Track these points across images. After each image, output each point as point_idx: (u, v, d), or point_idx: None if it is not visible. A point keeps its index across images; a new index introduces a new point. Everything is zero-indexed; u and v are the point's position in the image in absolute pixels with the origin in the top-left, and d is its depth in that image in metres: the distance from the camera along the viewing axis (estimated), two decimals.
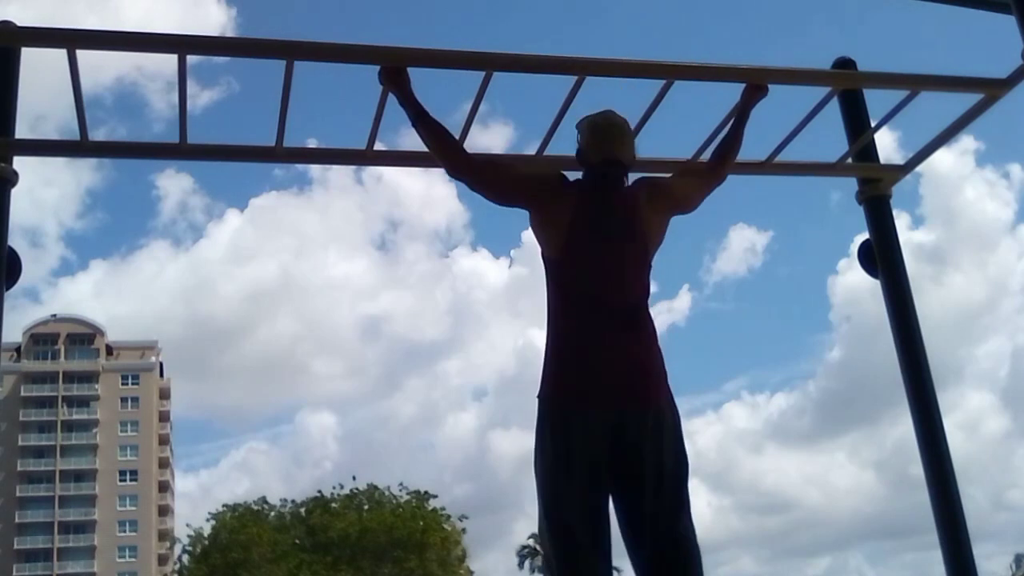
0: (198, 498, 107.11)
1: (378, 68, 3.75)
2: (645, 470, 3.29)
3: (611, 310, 3.39)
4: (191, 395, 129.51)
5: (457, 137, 3.85)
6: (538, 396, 3.39)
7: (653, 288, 3.55)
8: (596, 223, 3.46)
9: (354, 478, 44.22)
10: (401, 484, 43.72)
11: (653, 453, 3.30)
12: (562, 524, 3.26)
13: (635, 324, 3.43)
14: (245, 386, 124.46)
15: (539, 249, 3.57)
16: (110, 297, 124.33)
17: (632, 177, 3.68)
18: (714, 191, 3.91)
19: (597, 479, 3.28)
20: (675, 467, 3.36)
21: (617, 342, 3.35)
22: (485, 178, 3.63)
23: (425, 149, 3.78)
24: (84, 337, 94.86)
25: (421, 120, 3.64)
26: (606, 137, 3.57)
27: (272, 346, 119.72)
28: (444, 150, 3.67)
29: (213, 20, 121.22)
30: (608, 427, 3.27)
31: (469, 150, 3.84)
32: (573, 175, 3.64)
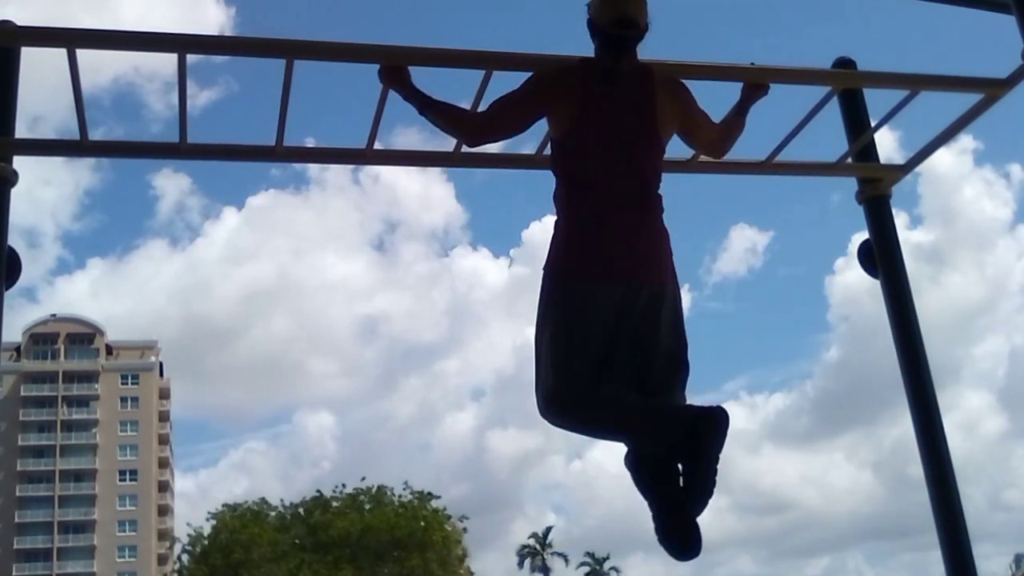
0: (197, 498, 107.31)
1: (378, 67, 3.75)
2: (647, 345, 3.37)
3: (617, 185, 3.41)
4: (189, 395, 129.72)
5: None
6: (544, 268, 3.44)
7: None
8: (604, 96, 3.45)
9: (363, 479, 44.35)
10: (406, 484, 43.82)
11: (655, 328, 3.37)
12: (560, 390, 3.28)
13: (641, 201, 3.45)
14: (243, 386, 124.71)
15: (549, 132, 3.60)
16: (107, 297, 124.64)
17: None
18: (704, 156, 4.03)
19: (599, 351, 3.32)
20: (674, 342, 3.44)
21: (623, 218, 3.38)
22: (505, 128, 3.65)
23: (425, 148, 3.82)
24: (84, 337, 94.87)
25: (428, 107, 3.61)
26: None
27: (270, 346, 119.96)
28: (457, 125, 3.67)
29: (212, 20, 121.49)
30: (613, 301, 3.32)
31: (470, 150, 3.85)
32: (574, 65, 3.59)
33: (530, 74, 3.62)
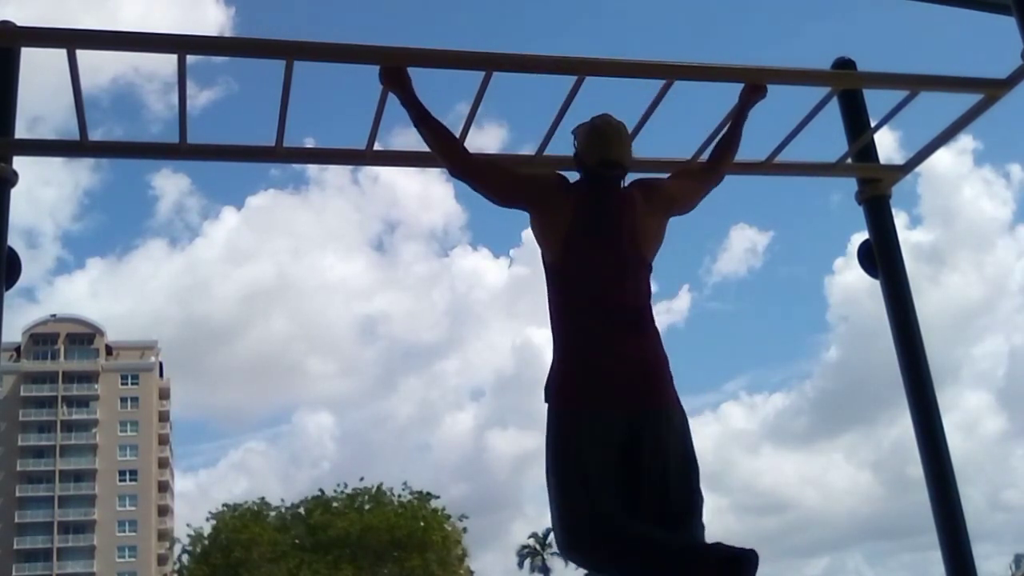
0: (196, 498, 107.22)
1: (378, 68, 3.75)
2: (656, 473, 3.27)
3: (614, 312, 3.39)
4: (189, 395, 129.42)
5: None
6: (546, 402, 3.37)
7: (653, 288, 3.55)
8: (593, 227, 3.46)
9: (362, 479, 44.43)
10: (405, 484, 43.91)
11: (663, 455, 3.29)
12: (580, 529, 3.20)
13: (639, 326, 3.44)
14: (242, 386, 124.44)
15: (539, 252, 3.57)
16: (107, 297, 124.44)
17: (629, 180, 3.67)
18: (713, 190, 3.90)
19: (612, 482, 3.24)
20: (684, 469, 3.34)
21: (623, 344, 3.35)
22: (487, 179, 3.64)
23: (424, 149, 3.79)
24: (84, 337, 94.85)
25: (423, 121, 3.63)
26: (603, 138, 3.56)
27: (269, 346, 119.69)
28: (446, 151, 3.67)
29: (211, 20, 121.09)
30: (620, 429, 3.26)
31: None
32: (571, 180, 3.63)
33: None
